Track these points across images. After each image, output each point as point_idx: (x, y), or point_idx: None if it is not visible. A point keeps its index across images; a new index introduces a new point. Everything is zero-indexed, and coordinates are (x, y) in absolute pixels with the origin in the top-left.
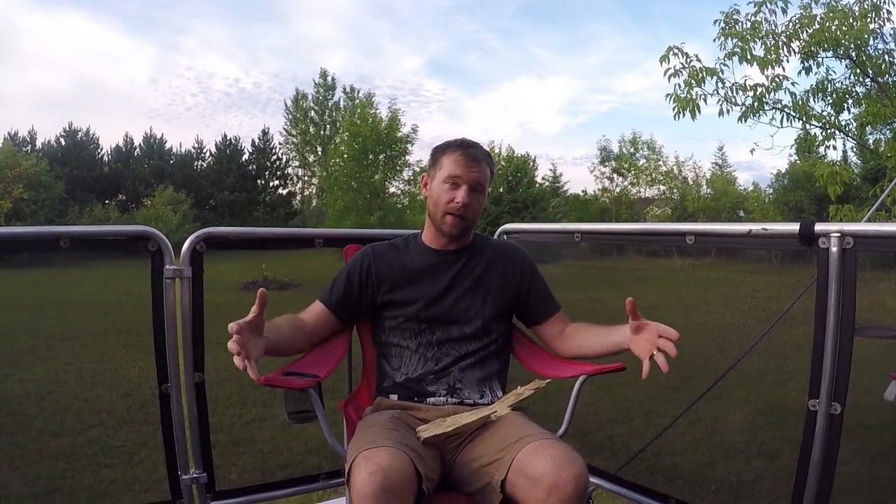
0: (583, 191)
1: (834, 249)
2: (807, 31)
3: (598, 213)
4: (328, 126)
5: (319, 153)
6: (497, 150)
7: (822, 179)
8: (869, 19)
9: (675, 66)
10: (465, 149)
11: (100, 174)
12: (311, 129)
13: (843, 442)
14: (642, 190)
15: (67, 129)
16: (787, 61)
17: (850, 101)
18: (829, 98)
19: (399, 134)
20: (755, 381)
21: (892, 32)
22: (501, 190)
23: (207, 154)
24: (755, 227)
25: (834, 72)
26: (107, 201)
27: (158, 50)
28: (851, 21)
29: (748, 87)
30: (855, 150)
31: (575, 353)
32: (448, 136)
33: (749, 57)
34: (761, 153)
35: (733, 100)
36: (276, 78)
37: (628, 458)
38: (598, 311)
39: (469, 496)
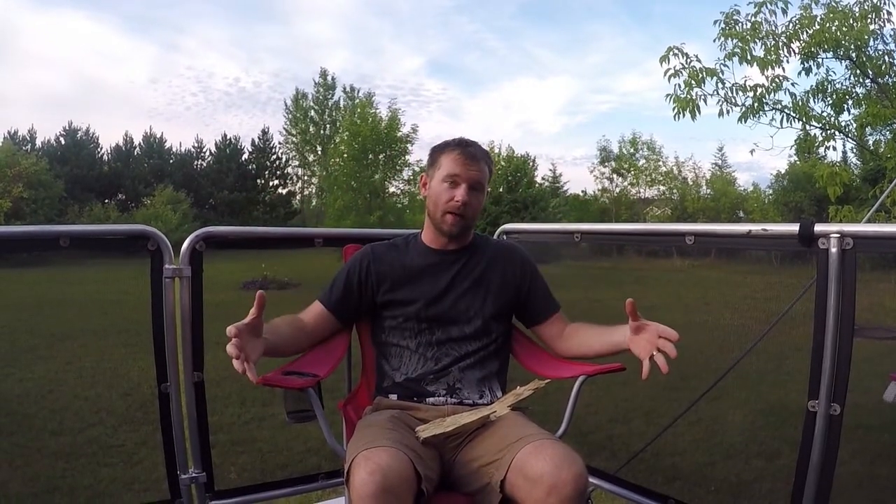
0: (582, 191)
1: (833, 250)
2: (807, 32)
3: (598, 214)
4: (328, 126)
5: (319, 153)
6: (497, 150)
7: (822, 180)
8: (869, 20)
9: (675, 67)
10: (464, 147)
11: (99, 173)
12: (310, 129)
13: (842, 442)
14: (642, 190)
15: (67, 128)
16: (787, 62)
17: (850, 102)
18: (829, 99)
19: (399, 134)
20: (755, 381)
21: (892, 33)
22: (501, 190)
23: (207, 153)
24: (755, 227)
25: (834, 72)
26: (106, 200)
27: (158, 49)
28: (851, 22)
29: (748, 88)
30: (855, 150)
31: (575, 354)
32: (448, 135)
33: (749, 57)
34: (761, 154)
35: (733, 100)
36: (276, 77)
37: (628, 459)
38: (597, 312)
39: (468, 496)
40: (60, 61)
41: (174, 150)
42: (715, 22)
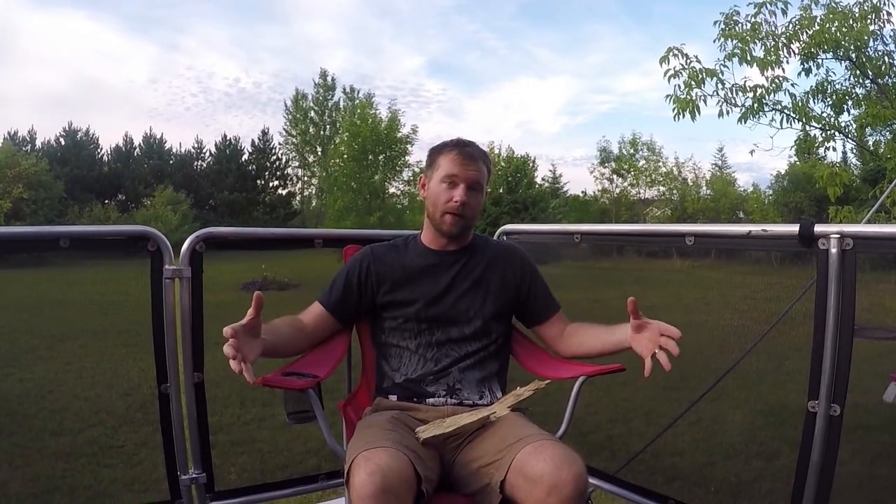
0: (582, 192)
1: (833, 251)
2: (807, 33)
3: (598, 214)
4: (328, 126)
5: (319, 153)
6: (497, 151)
7: (822, 181)
8: (869, 21)
9: (674, 67)
10: (461, 148)
11: (99, 174)
12: (310, 130)
13: (842, 442)
14: (642, 191)
15: (67, 128)
16: (787, 62)
17: (849, 103)
18: (828, 99)
19: (399, 134)
20: (755, 381)
21: (891, 34)
22: (501, 191)
23: (207, 154)
24: (755, 228)
25: (834, 73)
26: (106, 201)
27: (158, 50)
28: (851, 22)
29: (748, 89)
30: (855, 151)
31: (575, 353)
32: (448, 136)
33: (749, 58)
34: (761, 154)
35: (733, 101)
36: (276, 78)
37: (628, 459)
38: (597, 312)
39: (468, 497)
40: (60, 61)
41: (174, 150)
42: (715, 22)
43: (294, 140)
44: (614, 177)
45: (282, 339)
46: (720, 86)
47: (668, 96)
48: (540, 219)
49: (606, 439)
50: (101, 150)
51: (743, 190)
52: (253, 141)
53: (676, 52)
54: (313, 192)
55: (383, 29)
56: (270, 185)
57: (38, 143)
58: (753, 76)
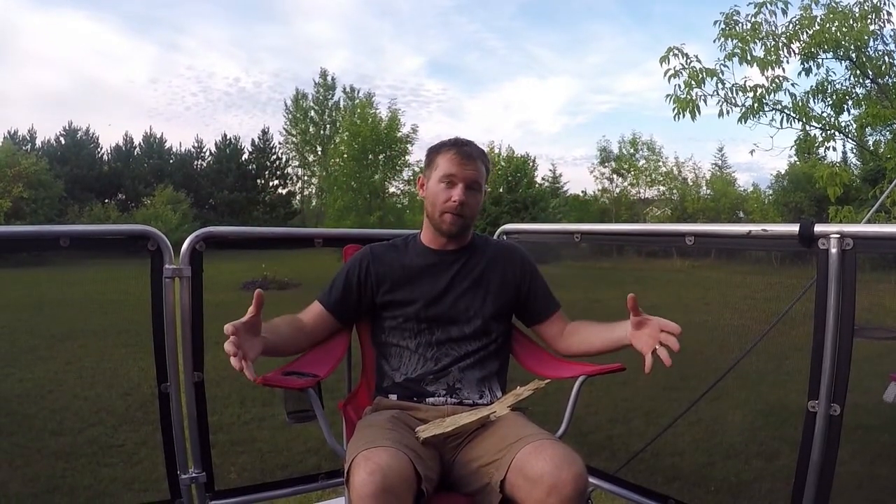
0: (583, 191)
1: (833, 251)
2: (807, 33)
3: (598, 214)
4: (328, 126)
5: (319, 153)
6: (497, 150)
7: (822, 181)
8: (869, 20)
9: (675, 67)
10: (459, 147)
11: (99, 173)
12: (310, 129)
13: (842, 442)
14: (642, 190)
15: (67, 128)
16: (787, 62)
17: (849, 103)
18: (828, 99)
19: (399, 134)
20: (755, 381)
21: (892, 34)
22: (501, 190)
23: (207, 153)
24: (755, 228)
25: (834, 73)
26: (106, 200)
27: (158, 49)
28: (851, 22)
29: (748, 88)
30: (855, 151)
31: (576, 352)
32: (448, 135)
33: (749, 58)
34: (761, 154)
35: (733, 101)
36: (276, 77)
37: (628, 459)
38: (597, 312)
39: (468, 496)
40: (60, 61)
41: (174, 150)
42: (715, 22)
43: (294, 139)
44: (614, 176)
45: (282, 338)
46: (720, 85)
47: (668, 96)
48: (540, 218)
49: (606, 439)
50: (101, 149)
51: (743, 190)
52: (253, 140)
53: (676, 51)
54: (313, 191)
55: (383, 29)
56: (270, 184)
57: (38, 143)
58: (753, 76)
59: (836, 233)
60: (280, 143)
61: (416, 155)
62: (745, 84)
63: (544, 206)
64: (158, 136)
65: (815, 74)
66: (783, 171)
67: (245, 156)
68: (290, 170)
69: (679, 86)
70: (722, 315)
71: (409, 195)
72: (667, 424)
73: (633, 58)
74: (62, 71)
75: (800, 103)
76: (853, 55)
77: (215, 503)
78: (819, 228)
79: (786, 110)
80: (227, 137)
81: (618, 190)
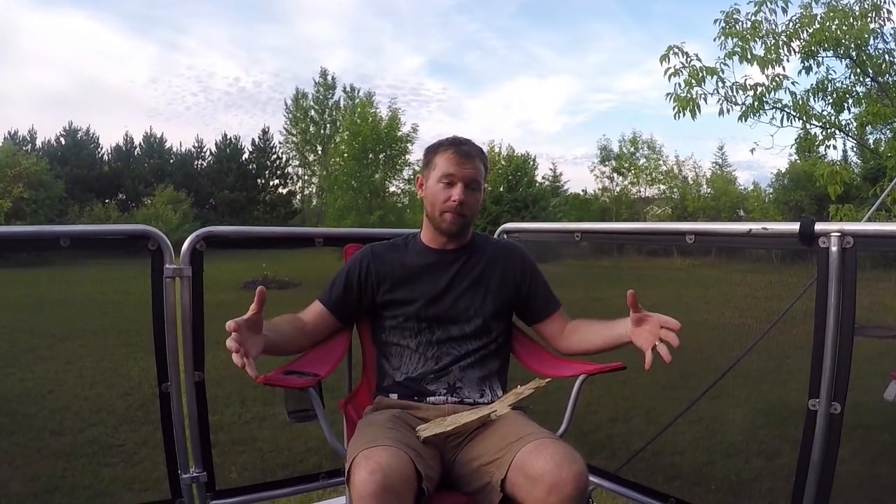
0: (583, 190)
1: (834, 249)
2: (807, 31)
3: (599, 213)
4: (328, 125)
5: (319, 152)
6: (497, 150)
7: (823, 179)
8: (869, 19)
9: (675, 66)
10: (458, 146)
11: (100, 173)
12: (311, 129)
13: (842, 441)
14: (642, 189)
15: (67, 128)
16: (788, 61)
17: (850, 101)
18: (829, 98)
19: (399, 133)
20: (755, 380)
21: (892, 32)
22: (501, 189)
23: (207, 153)
24: (755, 226)
25: (834, 71)
26: (107, 200)
27: (158, 49)
28: (852, 21)
29: (748, 87)
30: (855, 149)
31: (576, 350)
32: (447, 135)
33: (749, 56)
34: (761, 153)
35: (733, 99)
36: (276, 77)
37: (628, 458)
38: (598, 310)
39: (469, 495)
40: (60, 61)
41: (174, 149)
42: (715, 21)
43: (294, 139)
44: (615, 175)
45: (283, 337)
46: (720, 84)
47: (668, 95)
48: (540, 217)
49: (607, 438)
50: (102, 149)
51: (743, 188)
52: (253, 140)
53: (677, 50)
54: (314, 191)
55: (383, 28)
56: (271, 184)
57: (39, 143)
58: (754, 74)
59: (837, 231)
60: (280, 143)
61: (417, 154)
62: (745, 82)
63: (545, 205)
64: (159, 135)
65: (816, 73)
66: (783, 170)
67: (245, 155)
68: (290, 169)
69: (679, 84)
70: (722, 313)
71: (410, 194)
72: (667, 423)
73: (633, 57)
74: (62, 71)
75: (800, 102)
76: (853, 53)
77: (216, 503)
78: (819, 227)
79: (786, 109)
80: (228, 137)
81: (618, 189)
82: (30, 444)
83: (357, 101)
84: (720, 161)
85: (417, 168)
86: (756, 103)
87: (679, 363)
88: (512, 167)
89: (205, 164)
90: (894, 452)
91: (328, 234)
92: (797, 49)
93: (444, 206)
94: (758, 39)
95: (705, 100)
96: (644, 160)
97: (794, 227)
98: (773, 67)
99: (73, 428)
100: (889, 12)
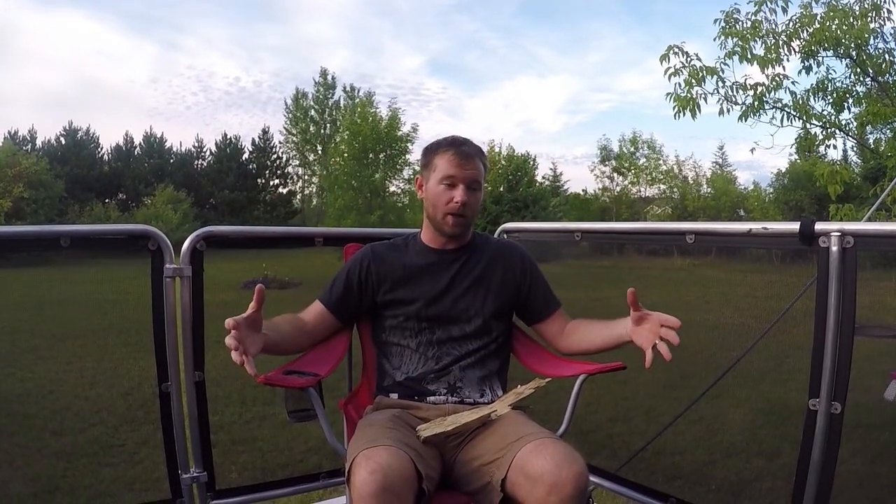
0: (583, 190)
1: (834, 249)
2: (807, 31)
3: (599, 213)
4: (328, 125)
5: (319, 152)
6: (497, 149)
7: (823, 179)
8: (869, 18)
9: (675, 66)
10: (457, 147)
11: (100, 173)
12: (311, 128)
13: (843, 441)
14: (642, 189)
15: (67, 128)
16: (788, 60)
17: (850, 101)
18: (829, 97)
19: (399, 133)
20: (755, 380)
21: (892, 32)
22: (502, 189)
23: (207, 153)
24: (755, 226)
25: (834, 71)
26: (107, 200)
27: (158, 49)
28: (852, 20)
29: (748, 87)
30: (855, 149)
31: (577, 350)
32: (447, 134)
33: (749, 56)
34: (761, 152)
35: (733, 99)
36: (276, 77)
37: (628, 457)
38: (598, 310)
39: (469, 495)
40: (60, 61)
41: (174, 149)
42: (715, 21)
43: (294, 139)
44: (615, 175)
45: (283, 337)
46: (720, 84)
47: (668, 94)
48: (540, 217)
49: (607, 437)
50: (102, 149)
51: (743, 188)
52: (253, 140)
53: (677, 50)
54: (314, 190)
55: (383, 28)
56: (271, 183)
57: (39, 143)
58: (754, 74)
59: (837, 231)
60: (280, 143)
61: (417, 154)
62: (745, 82)
63: (545, 205)
64: (159, 135)
65: (816, 72)
66: (784, 170)
67: (245, 155)
68: (290, 169)
69: (679, 84)
70: (722, 313)
71: (410, 194)
72: (668, 423)
73: (633, 56)
74: (62, 71)
75: (800, 101)
76: (853, 53)
77: (216, 503)
78: (819, 226)
79: (786, 108)
80: (228, 137)
81: (618, 188)
82: (30, 445)
83: (357, 100)
84: (720, 161)
85: (417, 168)
86: (756, 103)
87: (679, 363)
88: (512, 167)
89: (205, 164)
90: (894, 452)
91: (328, 234)
92: (797, 49)
93: (447, 209)
94: (758, 39)
95: (705, 99)
96: (644, 160)
97: (795, 226)
98: (773, 67)
99: (73, 428)
100: (889, 12)
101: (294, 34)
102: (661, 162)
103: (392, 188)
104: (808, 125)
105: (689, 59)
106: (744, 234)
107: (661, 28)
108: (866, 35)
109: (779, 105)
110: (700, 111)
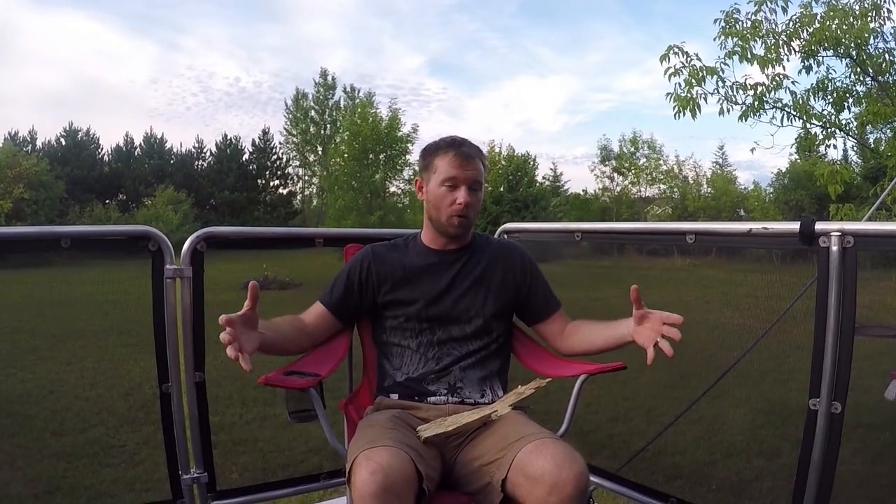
0: (583, 190)
1: (834, 248)
2: (807, 30)
3: (599, 213)
4: (328, 125)
5: (320, 153)
6: (497, 150)
7: (823, 178)
8: (869, 18)
9: (675, 65)
10: (457, 148)
11: (100, 174)
12: (311, 129)
13: (843, 441)
14: (643, 189)
15: (68, 128)
16: (788, 60)
17: (850, 100)
18: (829, 97)
19: (399, 133)
20: (756, 379)
21: (892, 31)
22: (502, 189)
23: (208, 154)
24: (756, 226)
25: (834, 71)
26: (107, 201)
27: (159, 49)
28: (852, 20)
29: (748, 86)
30: (855, 149)
31: (577, 350)
32: (447, 135)
33: (749, 56)
34: (762, 152)
35: (733, 99)
36: (276, 77)
37: (629, 458)
38: (598, 310)
39: (470, 495)
40: (60, 61)
41: (175, 150)
42: (715, 20)
43: (295, 139)
44: (615, 175)
45: (281, 337)
46: (721, 84)
47: (668, 94)
48: (541, 217)
49: (607, 438)
50: (102, 149)
51: (744, 188)
52: (253, 140)
53: (677, 50)
54: (314, 191)
55: (384, 28)
56: (271, 184)
57: (39, 144)
58: (754, 74)
59: (837, 231)
60: (280, 143)
61: (417, 154)
62: (745, 82)
63: (545, 205)
64: (159, 136)
65: (816, 72)
66: (784, 170)
67: (246, 156)
68: (290, 170)
69: (679, 84)
70: (723, 313)
71: (410, 195)
72: (668, 423)
73: (633, 56)
74: (62, 71)
75: (800, 101)
76: (853, 53)
77: (217, 503)
78: (820, 226)
79: (786, 108)
80: (228, 137)
81: (618, 188)
82: (31, 445)
83: (357, 101)
84: (720, 161)
85: (418, 168)
86: (756, 103)
87: (680, 363)
88: (512, 167)
89: (205, 165)
90: (895, 452)
91: (328, 235)
92: (797, 48)
93: (450, 210)
94: (758, 39)
95: (705, 99)
96: (644, 160)
97: (795, 226)
98: (773, 67)
99: (73, 429)
100: (889, 12)
101: (294, 34)
102: (661, 162)
103: (392, 189)
104: (808, 125)
105: (689, 59)
106: (744, 234)
107: (661, 28)
108: (866, 35)
109: (779, 105)
110: (700, 111)
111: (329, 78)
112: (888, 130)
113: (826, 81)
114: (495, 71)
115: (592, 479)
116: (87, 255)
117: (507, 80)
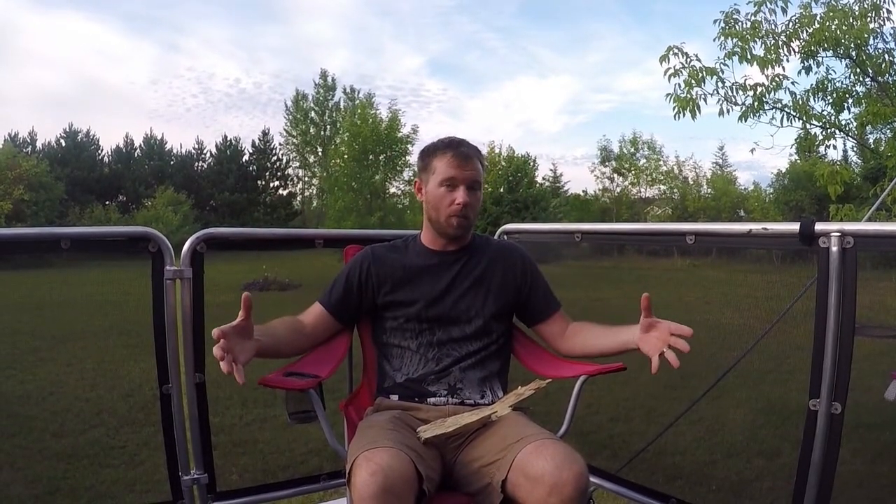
0: (583, 191)
1: (834, 249)
2: (807, 31)
3: (599, 213)
4: (328, 126)
5: (320, 154)
6: (497, 150)
7: (823, 179)
8: (869, 19)
9: (675, 66)
10: (456, 148)
11: (100, 175)
12: (311, 130)
13: (843, 441)
14: (643, 190)
15: (68, 129)
16: (787, 61)
17: (850, 101)
18: (829, 97)
19: (399, 134)
20: (756, 380)
21: (892, 32)
22: (502, 190)
23: (208, 155)
24: (755, 226)
25: (834, 71)
26: (107, 202)
27: (159, 50)
28: (851, 20)
29: (748, 87)
30: (855, 149)
31: (579, 352)
32: (446, 135)
33: (749, 56)
34: (761, 153)
35: (733, 99)
36: (276, 78)
37: (629, 458)
38: (598, 311)
39: (470, 496)
40: (60, 61)
41: (175, 151)
42: (715, 21)
43: (294, 140)
44: (615, 176)
45: (278, 340)
46: (720, 84)
47: (668, 95)
48: (541, 218)
49: (608, 438)
50: (102, 151)
51: (744, 188)
52: (253, 141)
53: (676, 50)
54: (314, 192)
55: (384, 29)
56: (271, 185)
57: (39, 145)
58: (754, 74)
59: (837, 231)
60: (280, 144)
61: (417, 155)
62: (745, 83)
63: (545, 206)
64: (159, 137)
65: (816, 73)
66: (784, 170)
67: (245, 157)
68: (290, 171)
69: (679, 85)
70: (723, 314)
71: (410, 195)
72: (668, 423)
73: (633, 57)
74: (62, 71)
75: (800, 102)
76: (853, 53)
77: None
78: (820, 227)
79: (786, 109)
80: (228, 139)
81: (618, 189)
82: (31, 446)
83: (357, 102)
84: (720, 161)
85: (417, 170)
86: (756, 103)
87: (680, 363)
88: (512, 168)
89: (205, 166)
90: (895, 452)
91: (328, 236)
92: (797, 49)
93: (449, 211)
94: (758, 39)
95: (705, 100)
96: (644, 160)
97: (795, 227)
98: (772, 67)
99: (74, 430)
100: (889, 12)
101: (294, 35)
102: (661, 162)
103: (392, 189)
104: (807, 125)
105: (688, 59)
106: (744, 234)
107: (661, 28)
108: (866, 35)
109: (779, 105)
110: (700, 112)
111: (329, 79)
112: (888, 131)
113: (826, 82)
114: (495, 71)
115: (592, 479)
116: (87, 257)
117: (507, 81)
